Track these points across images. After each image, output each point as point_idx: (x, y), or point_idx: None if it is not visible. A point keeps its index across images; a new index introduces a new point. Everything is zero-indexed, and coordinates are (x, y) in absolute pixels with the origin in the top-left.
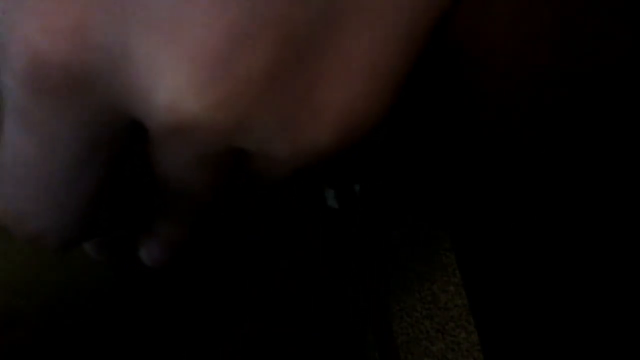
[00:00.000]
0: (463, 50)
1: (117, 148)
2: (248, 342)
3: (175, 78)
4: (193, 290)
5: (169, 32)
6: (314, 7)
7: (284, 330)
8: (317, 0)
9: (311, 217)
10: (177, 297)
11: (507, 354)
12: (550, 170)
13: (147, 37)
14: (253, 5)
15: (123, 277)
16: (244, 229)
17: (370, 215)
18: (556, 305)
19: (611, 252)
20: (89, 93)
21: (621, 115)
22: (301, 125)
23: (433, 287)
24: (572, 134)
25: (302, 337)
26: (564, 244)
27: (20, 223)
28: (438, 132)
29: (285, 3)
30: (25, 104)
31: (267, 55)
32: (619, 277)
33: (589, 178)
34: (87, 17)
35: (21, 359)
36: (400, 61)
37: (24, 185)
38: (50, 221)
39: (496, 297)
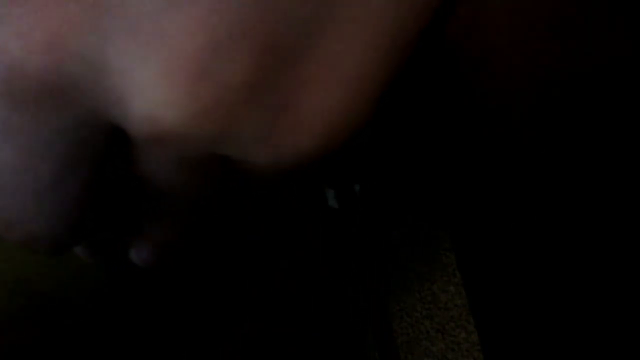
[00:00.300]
0: (462, 51)
1: (100, 152)
2: (248, 342)
3: (154, 89)
4: (193, 290)
5: (148, 43)
6: (295, 16)
7: (284, 330)
8: (298, 10)
9: (311, 217)
10: (178, 297)
11: (507, 354)
12: (550, 169)
13: (126, 48)
14: (233, 16)
15: (121, 278)
16: (243, 229)
17: (370, 215)
18: (556, 305)
19: (611, 252)
20: (68, 102)
21: (621, 114)
22: (282, 133)
23: (433, 287)
24: (571, 133)
25: (302, 337)
26: (564, 244)
27: (9, 229)
28: (438, 132)
29: (266, 13)
30: (4, 113)
31: (247, 65)
32: (619, 277)
33: (588, 177)
34: (65, 28)
35: (21, 359)
36: (382, 68)
37: (9, 193)
38: (39, 227)
39: (496, 297)
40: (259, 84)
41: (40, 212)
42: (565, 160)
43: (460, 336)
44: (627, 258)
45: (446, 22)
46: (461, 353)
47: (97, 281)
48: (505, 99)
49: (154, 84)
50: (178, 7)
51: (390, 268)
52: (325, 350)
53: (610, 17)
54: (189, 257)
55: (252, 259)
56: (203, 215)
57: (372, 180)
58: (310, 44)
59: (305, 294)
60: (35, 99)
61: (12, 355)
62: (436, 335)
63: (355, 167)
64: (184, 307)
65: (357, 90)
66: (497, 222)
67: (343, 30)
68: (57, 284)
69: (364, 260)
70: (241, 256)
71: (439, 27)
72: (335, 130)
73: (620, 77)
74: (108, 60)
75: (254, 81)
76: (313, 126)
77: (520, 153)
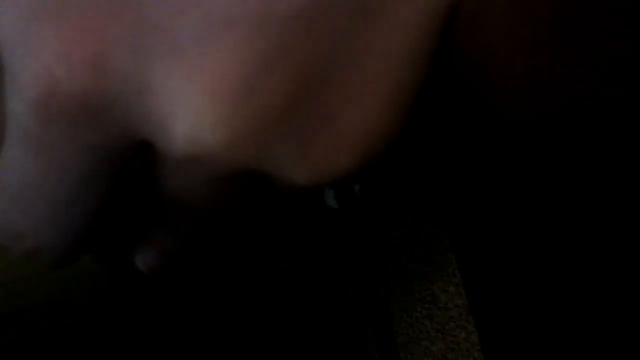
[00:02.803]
0: (462, 51)
1: (122, 168)
2: (248, 342)
3: (197, 111)
4: (194, 290)
5: (192, 65)
6: (334, 36)
7: (284, 330)
8: (337, 30)
9: (311, 217)
10: (178, 298)
11: (507, 354)
12: (551, 170)
13: (169, 69)
14: (275, 38)
15: (122, 278)
16: (245, 230)
17: (370, 215)
18: (556, 305)
19: (611, 252)
20: (104, 120)
21: (622, 116)
22: (322, 150)
23: (433, 287)
24: (572, 135)
25: (302, 337)
26: (564, 244)
27: (17, 240)
28: (438, 133)
29: (306, 34)
30: (34, 129)
31: (288, 86)
32: (619, 277)
33: (589, 178)
34: (106, 48)
35: (21, 359)
36: (414, 75)
37: (25, 205)
38: (48, 239)
39: (496, 297)
40: (299, 104)
41: (53, 225)
42: (566, 161)
43: (460, 336)
44: (627, 258)
45: (447, 24)
46: (461, 353)
47: (98, 281)
48: (505, 99)
49: (196, 105)
50: (222, 29)
51: (390, 268)
52: (325, 350)
53: (610, 18)
54: (193, 261)
55: (252, 259)
56: (216, 223)
57: (372, 180)
58: (349, 61)
59: (305, 294)
60: (73, 117)
61: (12, 355)
62: (436, 335)
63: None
64: (185, 307)
65: (393, 102)
66: (497, 222)
67: (378, 47)
68: (57, 284)
69: (364, 260)
70: (241, 256)
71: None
72: (373, 143)
73: (620, 77)
74: (150, 81)
75: (295, 101)
76: (352, 142)
77: (521, 153)
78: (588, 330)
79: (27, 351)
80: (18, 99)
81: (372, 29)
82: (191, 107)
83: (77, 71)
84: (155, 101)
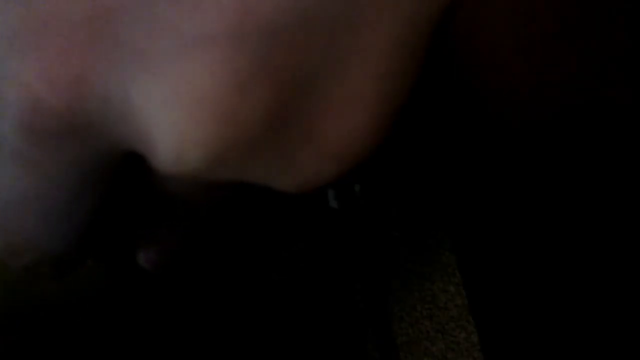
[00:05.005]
0: (464, 53)
1: (115, 177)
2: (248, 342)
3: (178, 130)
4: (192, 290)
5: (170, 84)
6: (315, 52)
7: (285, 330)
8: (317, 44)
9: (311, 217)
10: (177, 298)
11: (507, 354)
12: (551, 169)
13: (148, 89)
14: (255, 55)
15: (122, 278)
16: (244, 230)
17: (370, 215)
18: (556, 305)
19: (611, 252)
20: (89, 137)
21: (622, 116)
22: (306, 160)
23: (433, 287)
24: (572, 134)
25: (302, 337)
26: (564, 244)
27: (14, 256)
28: (438, 133)
29: (286, 50)
30: (22, 146)
31: (271, 102)
32: (619, 277)
33: (589, 178)
34: (88, 67)
35: (21, 359)
36: (401, 83)
37: (21, 219)
38: (45, 252)
39: (496, 297)
40: (281, 118)
41: (51, 236)
42: (566, 161)
43: (460, 336)
44: (627, 258)
45: (447, 24)
46: (461, 353)
47: (98, 281)
48: (505, 100)
49: (177, 126)
50: (197, 48)
51: (390, 268)
52: (325, 350)
53: (610, 18)
54: (196, 259)
55: (251, 259)
56: (218, 220)
57: (372, 180)
58: (330, 75)
59: (305, 293)
60: (57, 134)
61: (12, 355)
62: (436, 335)
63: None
64: (184, 307)
65: (379, 110)
66: (497, 222)
67: (361, 58)
68: (57, 284)
69: (364, 260)
70: (241, 256)
71: (443, 29)
72: (358, 152)
73: (620, 77)
74: (131, 101)
75: (276, 115)
76: (337, 151)
77: (521, 153)
78: (588, 330)
79: (27, 351)
80: (4, 118)
81: (354, 41)
82: (172, 128)
83: (58, 89)
84: (137, 121)
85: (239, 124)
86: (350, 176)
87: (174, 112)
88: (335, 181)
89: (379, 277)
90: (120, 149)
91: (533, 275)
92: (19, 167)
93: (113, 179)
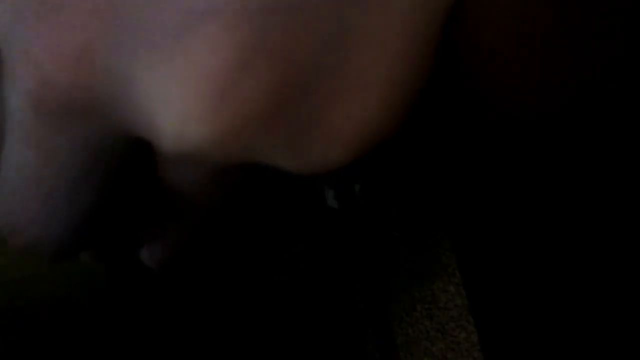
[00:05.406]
0: (463, 53)
1: (119, 161)
2: (248, 342)
3: (179, 106)
4: (193, 291)
5: (172, 60)
6: (322, 31)
7: (284, 330)
8: (323, 24)
9: (311, 217)
10: (177, 298)
11: (507, 354)
12: (551, 171)
13: (150, 65)
14: (257, 33)
15: (122, 277)
16: (244, 230)
17: (370, 215)
18: (556, 305)
19: (611, 252)
20: (94, 115)
21: (622, 116)
22: (313, 143)
23: (433, 287)
24: (572, 134)
25: (302, 337)
26: (564, 244)
27: (14, 234)
28: (438, 133)
29: (290, 29)
30: (29, 122)
31: (273, 81)
32: (619, 277)
33: (589, 180)
34: (93, 42)
35: (21, 358)
36: (413, 72)
37: (21, 198)
38: (46, 232)
39: (496, 297)
40: (286, 99)
41: (50, 219)
42: (567, 162)
43: (460, 336)
44: (627, 258)
45: (449, 25)
46: (461, 353)
47: (98, 281)
48: (506, 100)
49: (180, 102)
50: (199, 24)
51: (390, 268)
52: (325, 350)
53: (610, 18)
54: (199, 258)
55: (251, 259)
56: (222, 216)
57: (372, 180)
58: (338, 56)
59: (304, 293)
60: (63, 111)
61: (12, 355)
62: (436, 335)
63: (355, 167)
64: (184, 307)
65: (388, 98)
66: (497, 222)
67: (370, 39)
68: (57, 284)
69: (364, 260)
70: (241, 256)
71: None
72: (367, 137)
73: (620, 77)
74: (134, 76)
75: (281, 96)
76: (344, 136)
77: (521, 153)
78: (588, 330)
79: (28, 351)
80: (15, 94)
81: (364, 21)
82: (174, 104)
83: (64, 65)
84: (140, 98)
85: (242, 100)
86: (362, 173)
87: (177, 88)
88: (344, 166)
89: (379, 277)
90: (125, 132)
91: (533, 275)
92: (27, 144)
93: (118, 166)
